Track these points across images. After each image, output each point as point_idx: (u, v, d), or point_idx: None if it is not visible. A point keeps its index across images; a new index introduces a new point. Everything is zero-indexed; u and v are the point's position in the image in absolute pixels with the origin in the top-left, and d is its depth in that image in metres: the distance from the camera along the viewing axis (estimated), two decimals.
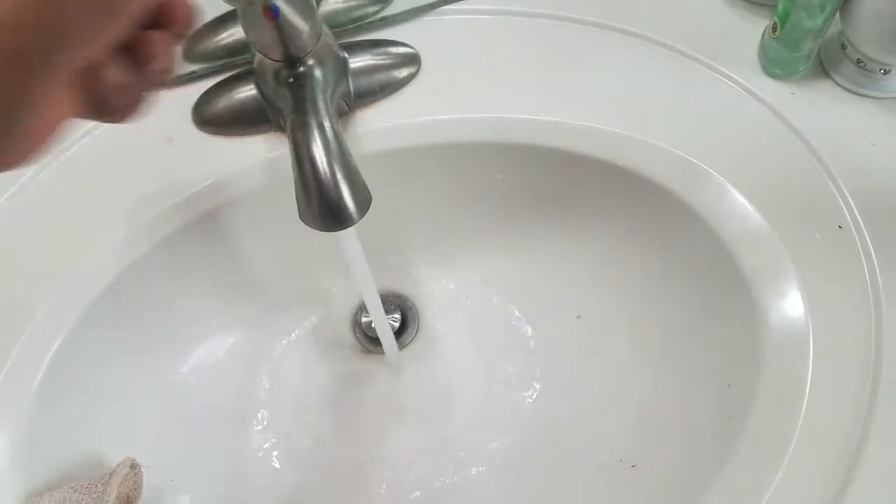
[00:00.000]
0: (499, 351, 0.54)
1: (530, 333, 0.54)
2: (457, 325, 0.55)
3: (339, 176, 0.37)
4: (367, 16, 0.52)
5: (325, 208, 0.37)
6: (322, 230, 0.38)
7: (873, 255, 0.41)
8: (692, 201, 0.44)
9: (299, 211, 0.38)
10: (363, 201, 0.38)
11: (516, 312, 0.55)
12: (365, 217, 0.40)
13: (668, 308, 0.48)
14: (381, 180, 0.50)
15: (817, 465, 0.36)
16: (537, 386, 0.51)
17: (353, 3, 0.52)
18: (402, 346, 0.55)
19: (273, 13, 0.39)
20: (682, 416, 0.44)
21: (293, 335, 0.55)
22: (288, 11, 0.39)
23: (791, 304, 0.40)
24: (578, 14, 0.51)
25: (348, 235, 0.40)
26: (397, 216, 0.54)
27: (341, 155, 0.37)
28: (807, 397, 0.37)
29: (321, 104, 0.39)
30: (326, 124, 0.38)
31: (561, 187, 0.50)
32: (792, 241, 0.42)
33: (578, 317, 0.52)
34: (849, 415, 0.37)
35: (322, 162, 0.37)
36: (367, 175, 0.47)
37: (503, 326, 0.55)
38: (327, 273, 0.55)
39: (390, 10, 0.52)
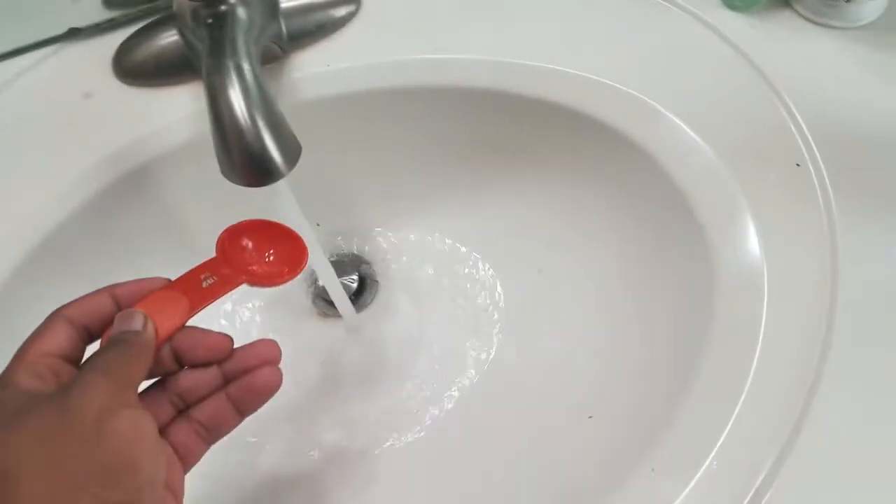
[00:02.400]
0: (461, 306, 0.52)
1: (490, 285, 0.52)
2: (417, 282, 0.53)
3: (261, 123, 0.34)
4: None
5: (247, 161, 0.34)
6: (246, 185, 0.35)
7: (830, 193, 0.39)
8: (646, 143, 0.42)
9: (220, 166, 0.35)
10: (291, 152, 0.35)
11: (479, 265, 0.53)
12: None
13: (625, 254, 0.46)
14: (323, 129, 0.47)
15: (772, 405, 0.34)
16: (498, 338, 0.50)
17: None
18: (360, 308, 0.52)
19: None
20: (639, 364, 0.43)
21: (245, 301, 0.52)
22: None
23: (745, 245, 0.38)
24: None
25: (280, 191, 0.37)
26: (346, 169, 0.51)
27: (263, 100, 0.34)
28: (761, 338, 0.36)
29: (241, 45, 0.36)
30: (245, 66, 0.35)
31: (514, 132, 0.48)
32: (747, 181, 0.40)
33: (539, 270, 0.50)
34: (804, 354, 0.35)
35: (241, 108, 0.34)
36: (308, 124, 0.44)
37: (465, 280, 0.53)
38: None
39: None
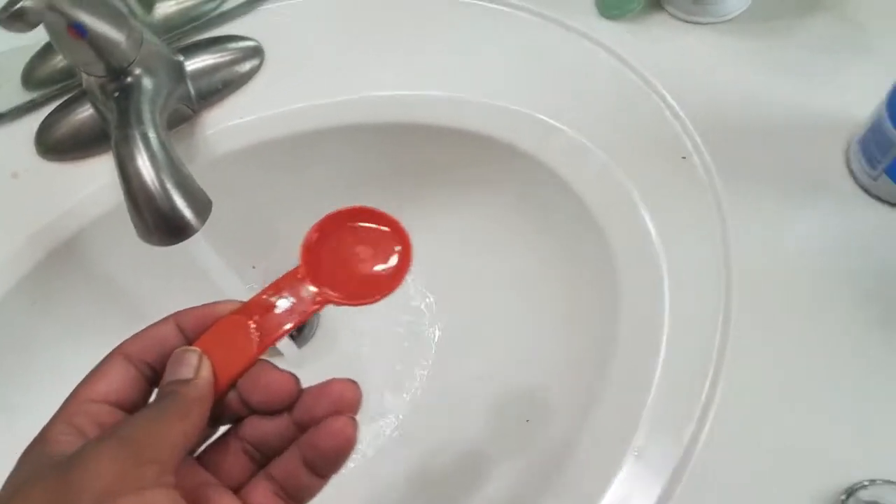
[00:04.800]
0: (399, 329, 0.54)
1: (427, 305, 0.54)
2: (354, 312, 0.55)
3: (169, 185, 0.36)
4: (205, 14, 0.51)
5: (160, 222, 0.36)
6: (163, 245, 0.37)
7: (717, 180, 0.42)
8: (543, 155, 0.45)
9: (136, 230, 0.37)
10: (201, 208, 0.37)
11: (412, 287, 0.55)
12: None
13: (538, 264, 0.49)
14: (245, 178, 0.49)
15: (682, 389, 0.37)
16: (435, 355, 0.52)
17: (188, 4, 0.51)
18: (302, 344, 0.54)
19: (79, 31, 0.38)
20: (566, 365, 0.45)
21: None
22: (96, 26, 0.38)
23: (642, 239, 0.41)
24: None
25: (197, 245, 0.39)
26: (273, 212, 0.53)
27: (169, 163, 0.37)
28: (667, 324, 0.38)
29: (146, 114, 0.39)
30: (151, 134, 0.37)
31: (426, 159, 0.50)
32: (639, 178, 0.43)
33: (472, 285, 0.53)
34: (706, 332, 0.38)
35: (149, 174, 0.36)
36: (229, 176, 0.47)
37: (401, 303, 0.55)
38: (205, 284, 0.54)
39: (228, 5, 0.51)
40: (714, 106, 0.45)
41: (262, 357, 0.26)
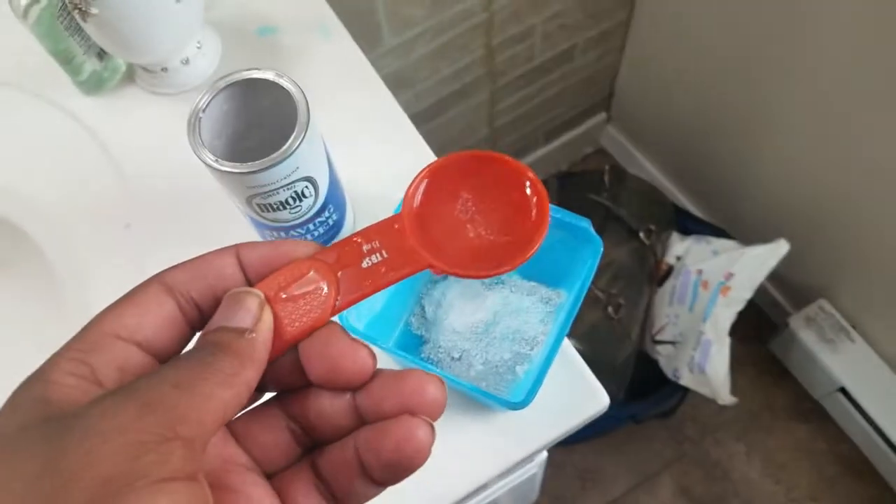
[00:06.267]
0: None
1: None
2: None
3: None
4: None
5: None
6: None
7: (149, 248, 0.50)
8: (29, 231, 0.52)
9: None
10: None
11: None
12: None
13: None
14: None
15: None
16: None
17: None
18: None
19: None
20: None
21: None
22: None
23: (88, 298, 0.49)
24: None
25: None
26: None
27: None
28: None
29: None
30: None
31: None
32: (89, 242, 0.50)
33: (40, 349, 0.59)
34: None
35: None
36: None
37: None
38: None
39: None
40: (156, 175, 0.52)
41: (332, 319, 0.21)
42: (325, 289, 0.21)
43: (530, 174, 0.23)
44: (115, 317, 0.19)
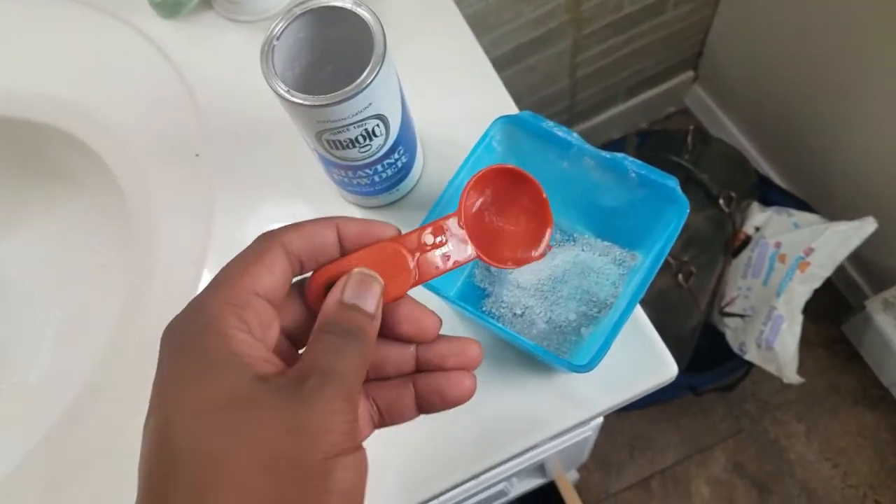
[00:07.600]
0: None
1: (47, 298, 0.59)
2: None
3: None
4: None
5: None
6: None
7: (214, 178, 0.49)
8: (94, 144, 0.52)
9: None
10: None
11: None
12: None
13: (108, 247, 0.57)
14: None
15: None
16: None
17: None
18: None
19: None
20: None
21: None
22: None
23: (171, 227, 0.48)
24: None
25: None
26: None
27: None
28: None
29: None
30: None
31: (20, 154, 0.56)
32: (158, 173, 0.50)
33: (104, 266, 0.59)
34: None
35: None
36: None
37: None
38: None
39: None
40: (231, 104, 0.51)
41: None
42: (411, 266, 0.26)
43: (534, 182, 0.29)
44: (253, 277, 0.23)
